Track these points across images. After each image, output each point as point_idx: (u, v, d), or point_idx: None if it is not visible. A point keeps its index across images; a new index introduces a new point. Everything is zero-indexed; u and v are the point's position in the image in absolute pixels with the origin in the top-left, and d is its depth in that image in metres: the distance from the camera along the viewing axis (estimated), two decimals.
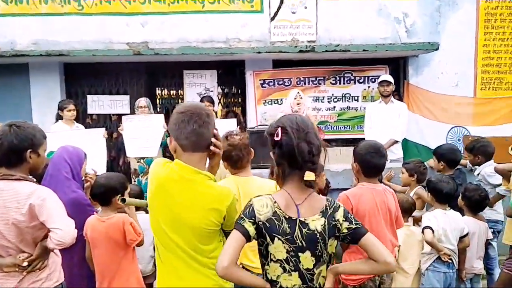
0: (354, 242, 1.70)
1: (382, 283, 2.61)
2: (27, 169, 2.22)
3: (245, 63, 6.28)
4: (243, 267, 2.47)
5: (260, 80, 6.28)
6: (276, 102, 6.30)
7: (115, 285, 2.67)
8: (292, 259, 1.66)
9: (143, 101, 5.53)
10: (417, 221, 3.59)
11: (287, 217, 1.66)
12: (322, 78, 6.35)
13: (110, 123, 6.45)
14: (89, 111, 6.34)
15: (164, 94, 6.69)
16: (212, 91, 6.42)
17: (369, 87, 6.39)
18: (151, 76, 6.52)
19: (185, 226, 1.81)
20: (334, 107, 6.42)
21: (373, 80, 6.32)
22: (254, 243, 1.73)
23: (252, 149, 2.62)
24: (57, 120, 5.44)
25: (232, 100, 6.76)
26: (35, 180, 2.29)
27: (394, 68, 6.45)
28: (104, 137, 5.14)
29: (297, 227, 1.65)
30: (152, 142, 5.33)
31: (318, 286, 1.70)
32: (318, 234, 1.66)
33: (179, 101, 6.62)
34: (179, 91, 6.58)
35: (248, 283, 1.64)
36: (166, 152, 5.96)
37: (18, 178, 2.16)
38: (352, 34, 5.94)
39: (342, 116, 6.43)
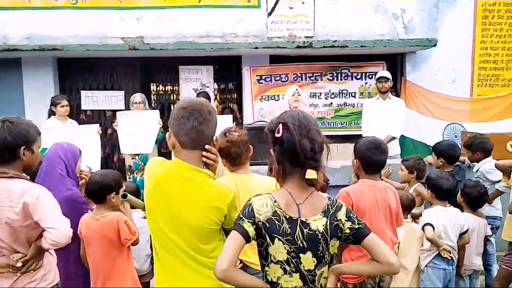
0: (357, 243, 1.66)
1: (381, 280, 2.59)
2: (20, 166, 2.16)
3: (242, 58, 6.23)
4: (241, 262, 2.43)
5: (257, 76, 6.23)
6: (273, 98, 6.26)
7: (110, 285, 2.62)
8: (293, 260, 1.61)
9: (138, 97, 5.46)
10: (415, 218, 3.57)
11: (287, 217, 1.61)
12: (319, 74, 6.32)
13: (105, 119, 6.38)
14: (83, 107, 6.26)
15: (160, 90, 6.63)
16: (208, 86, 6.36)
17: (366, 83, 6.37)
18: (146, 72, 6.45)
19: (185, 226, 1.77)
20: (331, 103, 6.40)
21: (370, 76, 6.30)
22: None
23: (251, 146, 2.58)
24: (49, 116, 5.34)
25: (229, 96, 6.71)
26: (28, 177, 2.23)
27: (392, 65, 6.44)
28: (98, 133, 5.06)
29: (298, 227, 1.60)
30: (147, 138, 5.27)
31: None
32: (319, 235, 1.61)
33: (175, 96, 6.57)
34: (175, 86, 6.53)
35: (249, 285, 1.59)
36: (161, 148, 5.92)
37: (11, 176, 2.10)
38: (350, 30, 5.90)
39: (339, 113, 6.41)
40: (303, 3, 5.84)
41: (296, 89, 5.09)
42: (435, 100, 6.31)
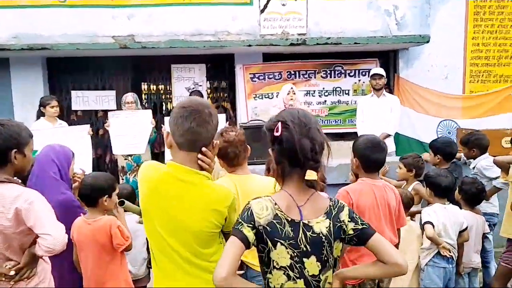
0: (361, 244, 1.61)
1: (381, 281, 2.55)
2: (12, 170, 2.09)
3: (235, 56, 6.18)
4: (242, 263, 2.37)
5: (250, 74, 6.18)
6: (267, 96, 6.21)
7: None
8: (297, 266, 1.55)
9: (130, 97, 5.40)
10: (411, 216, 3.55)
11: (289, 219, 1.55)
12: (312, 71, 6.29)
13: (96, 120, 6.30)
14: (74, 107, 6.18)
15: (152, 89, 6.55)
16: (201, 85, 6.31)
17: (359, 80, 6.36)
18: (138, 71, 6.38)
19: (184, 230, 1.72)
20: (325, 101, 6.37)
21: (363, 73, 6.29)
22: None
23: (248, 146, 2.53)
24: (38, 117, 5.23)
25: (221, 94, 6.65)
26: (20, 181, 2.16)
27: (384, 61, 6.44)
28: (89, 134, 4.98)
29: (300, 230, 1.55)
30: (140, 138, 5.21)
31: None
32: (323, 237, 1.55)
33: (167, 96, 6.50)
34: (167, 86, 6.46)
35: None
36: (154, 149, 5.85)
37: (3, 180, 2.03)
38: (342, 27, 5.87)
39: (333, 110, 6.39)
40: (295, 0, 5.79)
41: (291, 88, 5.05)
42: (428, 96, 6.33)
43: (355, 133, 5.55)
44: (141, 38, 5.60)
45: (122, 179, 5.32)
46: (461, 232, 3.17)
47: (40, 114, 5.21)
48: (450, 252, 3.08)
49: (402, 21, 6.00)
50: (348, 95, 6.38)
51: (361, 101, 5.62)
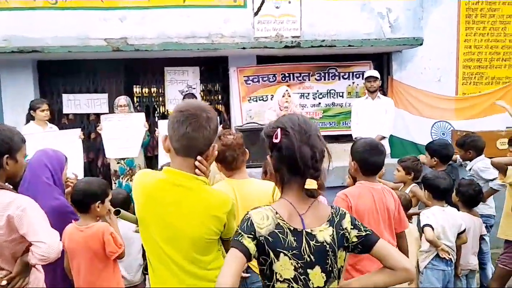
0: (366, 251, 1.55)
1: None
2: (3, 176, 2.03)
3: (228, 59, 6.16)
4: (248, 267, 2.32)
5: (244, 76, 6.15)
6: (261, 99, 6.19)
7: None
8: (301, 277, 1.48)
9: (122, 100, 5.33)
10: (409, 218, 3.54)
11: (292, 229, 1.49)
12: (306, 74, 6.28)
13: (88, 123, 6.23)
14: (65, 110, 6.10)
15: (145, 92, 6.48)
16: (194, 88, 6.27)
17: (353, 83, 6.38)
18: (131, 74, 6.31)
19: (182, 237, 1.68)
20: (319, 103, 6.38)
21: (357, 76, 6.30)
22: None
23: (246, 150, 2.49)
24: (28, 121, 5.12)
25: (215, 97, 6.61)
26: (11, 187, 2.09)
27: (378, 64, 6.47)
28: (80, 138, 4.90)
29: (304, 239, 1.48)
30: (133, 142, 5.15)
31: None
32: (327, 246, 1.49)
33: (160, 99, 6.44)
34: (160, 89, 6.40)
35: None
36: (147, 152, 5.78)
37: None
38: (336, 30, 5.87)
39: (328, 113, 6.39)
40: (289, 2, 5.78)
41: (286, 90, 5.03)
42: (422, 98, 6.36)
43: (350, 135, 5.54)
44: (134, 41, 5.54)
45: (115, 183, 5.25)
46: (459, 234, 3.16)
47: (30, 118, 5.11)
48: (449, 254, 3.06)
49: (396, 24, 6.01)
50: (342, 97, 6.39)
51: (355, 103, 5.62)
